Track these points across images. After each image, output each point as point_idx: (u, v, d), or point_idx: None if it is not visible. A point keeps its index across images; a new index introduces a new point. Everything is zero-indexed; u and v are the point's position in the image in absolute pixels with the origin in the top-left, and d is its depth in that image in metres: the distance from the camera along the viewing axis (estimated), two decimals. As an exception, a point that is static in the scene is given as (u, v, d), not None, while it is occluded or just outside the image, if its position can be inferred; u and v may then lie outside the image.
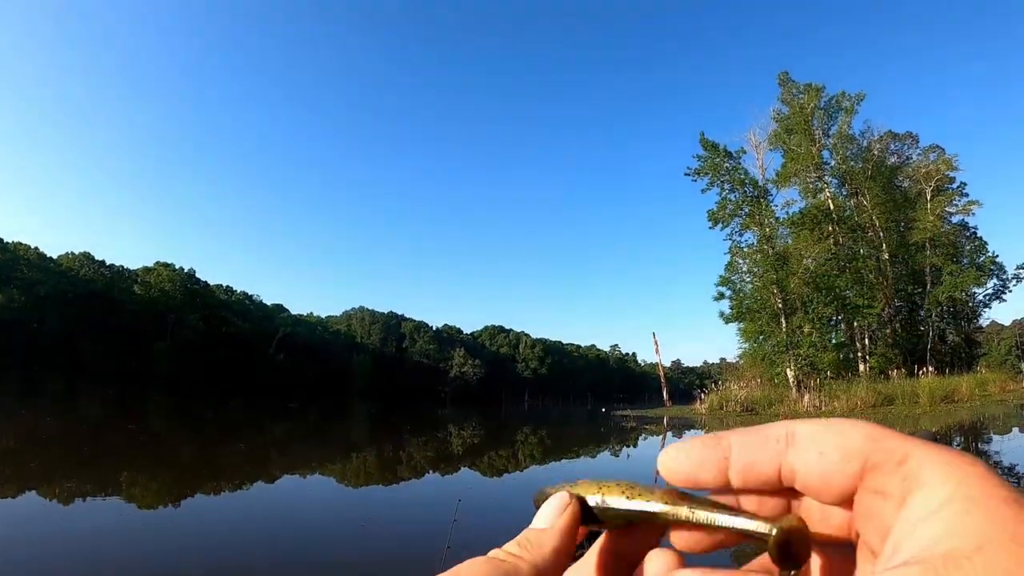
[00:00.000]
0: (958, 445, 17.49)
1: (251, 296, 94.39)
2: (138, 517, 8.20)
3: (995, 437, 17.13)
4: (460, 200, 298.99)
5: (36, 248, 71.12)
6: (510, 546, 0.39)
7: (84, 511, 8.21)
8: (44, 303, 65.93)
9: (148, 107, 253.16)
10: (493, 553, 0.38)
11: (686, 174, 44.02)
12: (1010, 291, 46.06)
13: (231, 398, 44.50)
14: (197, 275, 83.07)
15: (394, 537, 8.47)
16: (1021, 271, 45.43)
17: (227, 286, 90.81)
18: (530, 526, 0.40)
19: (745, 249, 43.77)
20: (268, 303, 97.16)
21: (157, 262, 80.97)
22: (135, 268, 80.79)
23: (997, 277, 45.31)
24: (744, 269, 43.66)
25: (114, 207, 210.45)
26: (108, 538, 6.93)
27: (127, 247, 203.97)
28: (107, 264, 78.64)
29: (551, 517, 0.39)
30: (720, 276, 44.45)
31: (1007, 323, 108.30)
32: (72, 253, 74.70)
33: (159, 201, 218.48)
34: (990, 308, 52.62)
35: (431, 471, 16.00)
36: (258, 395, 53.64)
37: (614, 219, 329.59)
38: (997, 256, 44.98)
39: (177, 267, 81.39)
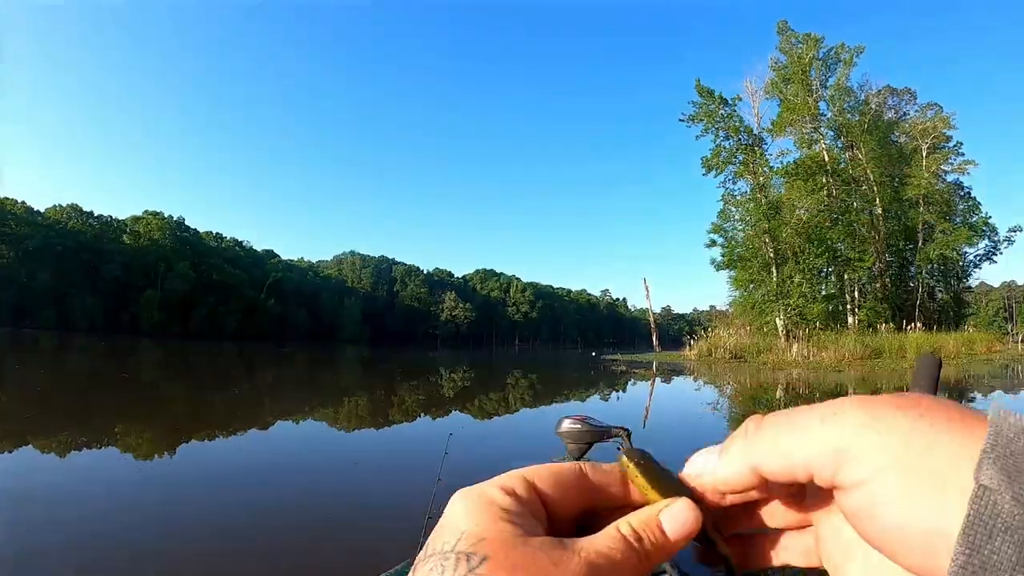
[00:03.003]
0: None
1: (241, 242, 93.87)
2: (135, 467, 8.18)
3: (979, 396, 17.22)
4: (452, 143, 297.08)
5: (24, 203, 70.26)
6: (632, 523, 0.36)
7: (81, 463, 8.18)
8: (33, 257, 65.31)
9: (129, 52, 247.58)
10: (624, 528, 0.35)
11: (681, 120, 43.83)
12: (1001, 253, 46.33)
13: (222, 345, 44.54)
14: (187, 223, 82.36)
15: (387, 472, 8.61)
16: (1013, 234, 45.56)
17: (217, 233, 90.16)
18: (661, 524, 0.36)
19: (738, 197, 43.84)
20: (258, 249, 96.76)
21: (146, 211, 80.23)
22: (124, 218, 79.98)
23: (989, 238, 45.51)
24: (736, 217, 43.73)
25: (101, 157, 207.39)
26: (106, 490, 6.90)
27: (115, 197, 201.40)
28: (95, 215, 77.80)
29: (680, 530, 0.37)
30: (712, 223, 44.63)
31: (996, 284, 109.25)
32: (60, 205, 73.70)
33: (146, 149, 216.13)
34: (980, 269, 52.93)
35: (422, 413, 16.03)
36: (250, 341, 53.81)
37: (608, 163, 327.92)
38: (990, 217, 45.20)
39: (166, 215, 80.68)
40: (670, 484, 0.40)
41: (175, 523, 6.09)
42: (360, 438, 12.10)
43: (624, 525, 0.34)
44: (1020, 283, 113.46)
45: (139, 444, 9.87)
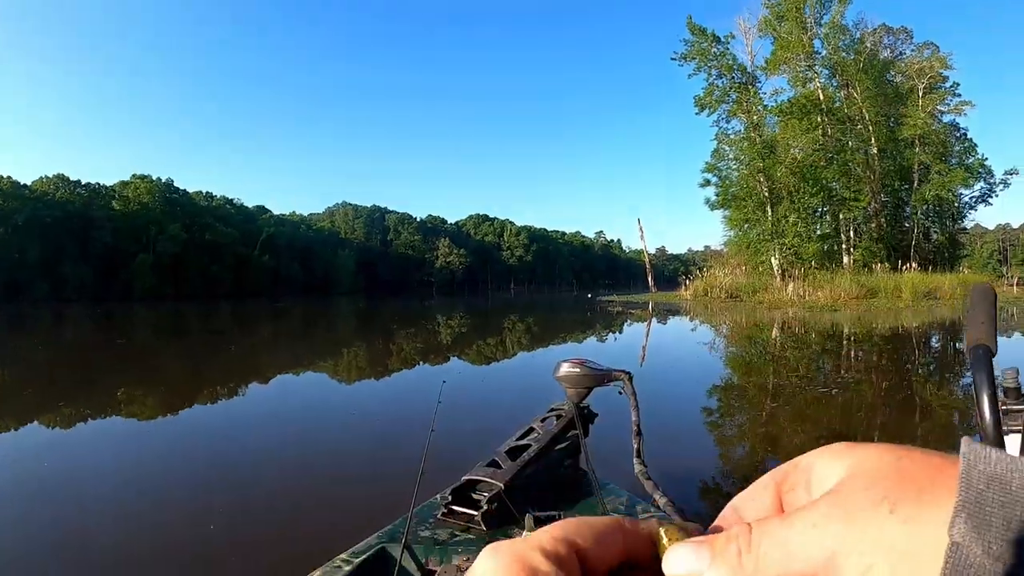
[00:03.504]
0: (936, 342, 17.62)
1: (232, 200, 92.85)
2: (141, 432, 8.15)
3: None
4: (440, 88, 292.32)
5: (9, 177, 69.16)
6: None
7: (87, 435, 8.10)
8: (23, 232, 64.68)
9: (104, 11, 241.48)
10: None
11: (672, 58, 43.31)
12: (996, 195, 45.95)
13: (218, 304, 44.51)
14: (175, 184, 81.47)
15: (384, 423, 8.64)
16: (1009, 176, 45.08)
17: (207, 192, 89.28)
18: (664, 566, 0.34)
19: (732, 136, 43.49)
20: (249, 205, 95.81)
21: (133, 175, 78.99)
22: (112, 184, 79.03)
23: (985, 180, 45.13)
24: (731, 156, 43.47)
25: (84, 123, 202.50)
26: (116, 459, 6.88)
27: (102, 164, 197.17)
28: (83, 183, 76.78)
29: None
30: (706, 163, 44.36)
31: (991, 227, 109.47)
32: (46, 177, 72.76)
33: (130, 111, 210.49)
34: (975, 210, 52.71)
35: (420, 361, 16.04)
36: (245, 298, 53.81)
37: (600, 104, 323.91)
38: (986, 159, 44.73)
39: (154, 178, 79.67)
40: None
41: (176, 482, 6.08)
42: (357, 389, 12.09)
43: None
44: (1015, 226, 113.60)
45: (141, 410, 9.78)
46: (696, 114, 44.16)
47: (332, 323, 31.52)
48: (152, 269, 70.67)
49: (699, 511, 5.12)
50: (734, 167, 43.44)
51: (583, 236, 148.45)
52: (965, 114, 45.50)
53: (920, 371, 12.37)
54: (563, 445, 2.99)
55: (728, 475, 6.28)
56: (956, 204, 46.22)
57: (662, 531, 0.34)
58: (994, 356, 1.09)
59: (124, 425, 8.83)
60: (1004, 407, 1.80)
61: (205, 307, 38.16)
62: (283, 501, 5.42)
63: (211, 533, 4.70)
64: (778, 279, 38.22)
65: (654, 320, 29.68)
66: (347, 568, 2.13)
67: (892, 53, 47.36)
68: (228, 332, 25.30)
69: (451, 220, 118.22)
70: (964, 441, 0.27)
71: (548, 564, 0.32)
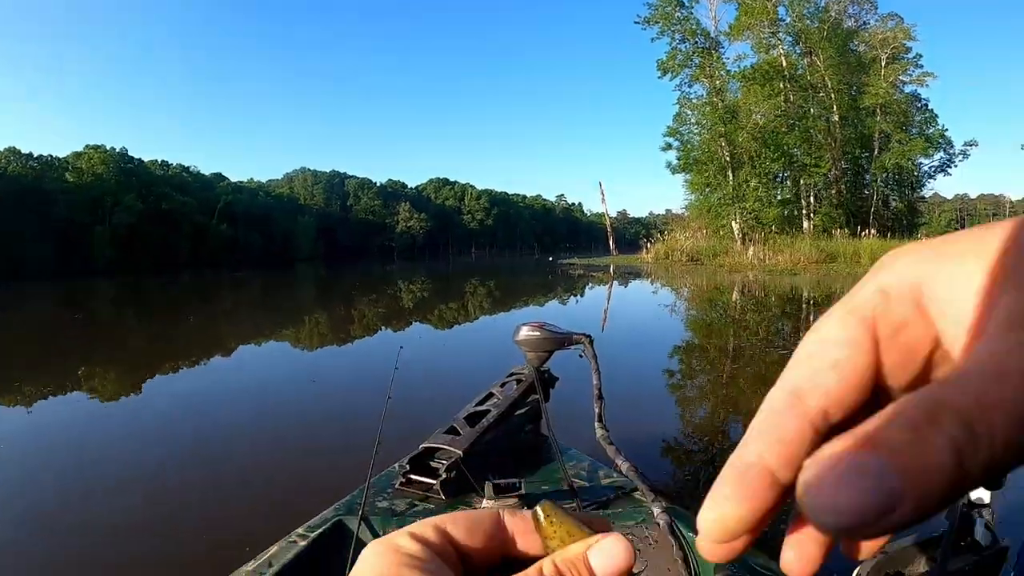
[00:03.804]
0: None
1: (188, 168, 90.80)
2: (103, 409, 7.94)
3: None
4: (398, 51, 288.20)
5: None
6: (557, 561, 0.32)
7: (49, 412, 7.90)
8: None
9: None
10: (547, 568, 0.32)
11: (636, 22, 43.01)
12: (955, 166, 46.32)
13: (177, 274, 43.83)
14: (130, 153, 79.44)
15: (343, 391, 8.55)
16: (968, 148, 45.53)
17: (162, 160, 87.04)
18: (588, 561, 0.31)
19: (694, 101, 43.47)
20: (206, 173, 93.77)
21: (87, 145, 76.80)
22: (65, 155, 76.84)
23: (944, 151, 45.37)
24: (692, 121, 43.49)
25: (33, 92, 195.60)
26: (79, 437, 6.70)
27: (54, 135, 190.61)
28: (35, 156, 74.47)
29: (611, 567, 0.31)
30: (668, 127, 44.33)
31: (949, 196, 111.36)
32: (-3, 150, 70.86)
33: (80, 80, 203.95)
34: (935, 180, 53.10)
35: (381, 327, 15.97)
36: (204, 268, 52.99)
37: (562, 67, 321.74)
38: (946, 130, 45.04)
39: (108, 148, 77.63)
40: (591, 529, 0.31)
41: (125, 459, 5.96)
42: (316, 357, 11.97)
43: (548, 564, 0.32)
44: (973, 196, 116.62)
45: (104, 386, 9.55)
46: (659, 78, 44.00)
47: (292, 291, 31.22)
48: (110, 242, 69.18)
49: (662, 474, 5.13)
50: (696, 131, 43.45)
51: (544, 199, 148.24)
52: (927, 85, 45.73)
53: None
54: (523, 410, 2.92)
55: (690, 437, 6.31)
56: (915, 173, 46.59)
57: (540, 511, 0.32)
58: None
59: (66, 401, 8.64)
60: None
61: (164, 278, 37.51)
62: (236, 476, 5.35)
63: (164, 512, 4.61)
64: (738, 243, 38.55)
65: (615, 283, 29.82)
66: (303, 544, 2.05)
67: (856, 23, 47.40)
68: (186, 303, 24.87)
69: (411, 184, 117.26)
70: None
71: (416, 545, 0.32)
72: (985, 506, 1.17)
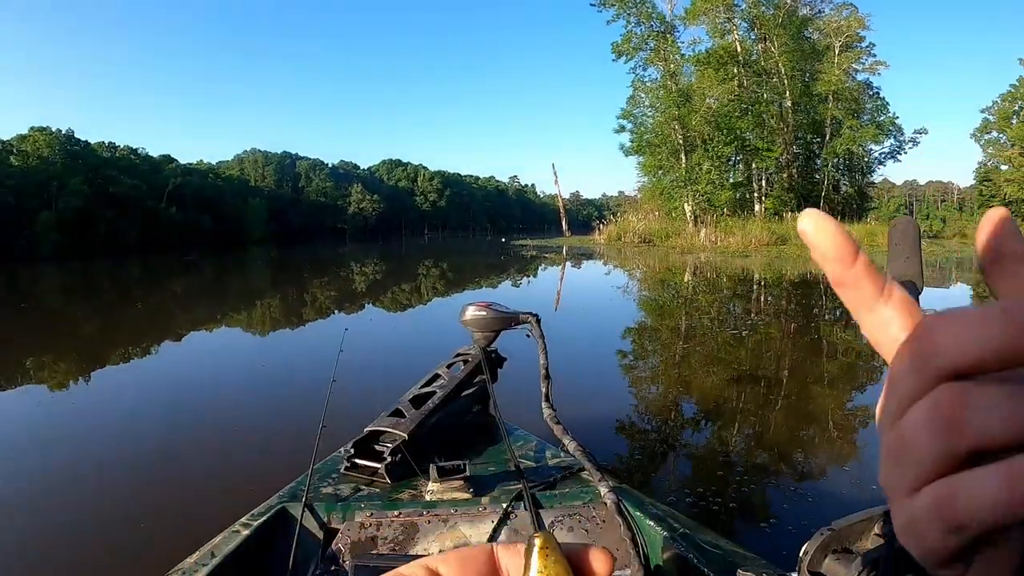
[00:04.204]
0: None
1: (136, 150, 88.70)
2: (54, 400, 7.68)
3: None
4: (349, 28, 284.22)
5: None
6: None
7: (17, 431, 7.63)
8: None
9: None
10: None
11: (592, 4, 43.06)
12: (905, 152, 47.43)
13: (125, 259, 42.94)
14: (76, 135, 77.35)
15: (289, 374, 8.40)
16: (918, 135, 46.51)
17: (110, 143, 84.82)
18: None
19: (648, 84, 43.68)
20: (155, 155, 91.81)
21: (32, 128, 74.67)
22: (9, 138, 74.54)
23: (895, 138, 46.32)
24: (646, 104, 43.76)
25: None
26: (31, 428, 6.49)
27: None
28: None
29: None
30: (622, 109, 44.48)
31: (899, 183, 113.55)
32: (-63, 135, 68.23)
33: (23, 59, 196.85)
34: (884, 166, 54.57)
35: (334, 310, 15.78)
36: (153, 252, 51.96)
37: (517, 48, 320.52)
38: (897, 118, 45.84)
39: (54, 130, 75.55)
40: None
41: (62, 450, 5.80)
42: (263, 341, 11.77)
43: None
44: (922, 183, 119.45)
45: (53, 376, 9.20)
46: (613, 61, 44.23)
47: (241, 275, 30.74)
48: (57, 227, 67.30)
49: (609, 454, 5.12)
50: (649, 114, 43.80)
51: (498, 181, 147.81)
52: (879, 73, 46.48)
53: (827, 316, 12.72)
54: (470, 391, 2.88)
55: (641, 416, 6.32)
56: (866, 159, 47.51)
57: (536, 541, 0.30)
58: (920, 293, 0.97)
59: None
60: None
61: (112, 264, 36.63)
62: (176, 467, 5.20)
63: (104, 506, 4.48)
64: (691, 225, 38.91)
65: (568, 264, 29.92)
66: (245, 532, 1.99)
67: (811, 11, 47.78)
68: (135, 289, 24.29)
69: (364, 166, 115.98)
70: None
71: None
72: None
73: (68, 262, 37.11)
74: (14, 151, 72.10)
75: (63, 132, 75.84)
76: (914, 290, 0.95)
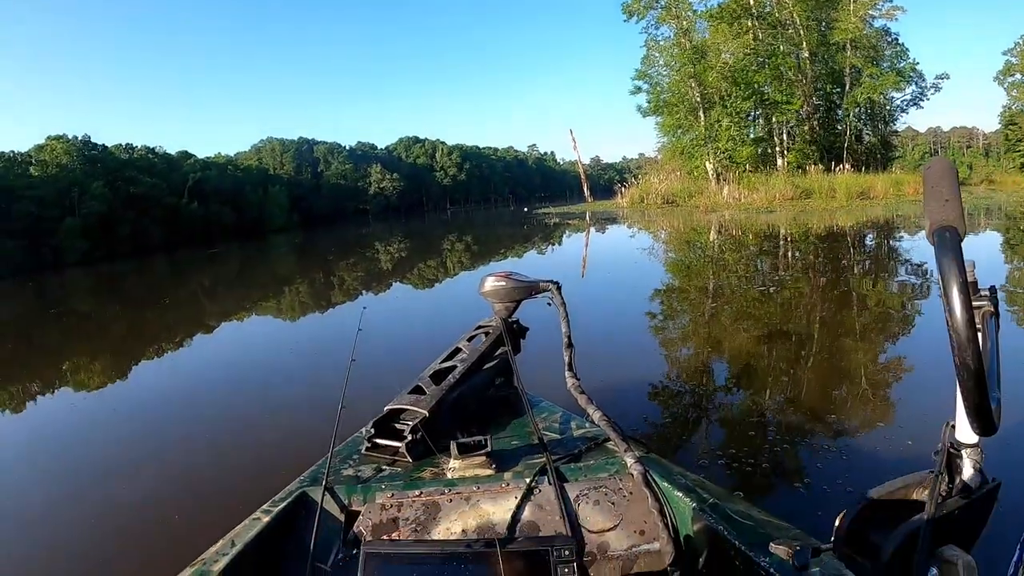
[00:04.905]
0: (871, 241, 17.74)
1: (153, 149, 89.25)
2: (94, 402, 7.77)
3: (906, 236, 17.50)
4: (357, 8, 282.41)
5: None
6: None
7: (40, 413, 7.69)
8: None
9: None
10: None
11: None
12: (928, 99, 46.39)
13: (152, 259, 43.49)
14: (93, 140, 77.90)
15: (315, 356, 8.47)
16: (940, 81, 45.50)
17: (127, 144, 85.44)
18: None
19: (662, 43, 43.14)
20: (172, 152, 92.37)
21: (48, 137, 75.16)
22: (27, 150, 75.27)
23: (916, 84, 45.32)
24: (661, 63, 43.25)
25: None
26: (74, 433, 6.56)
27: (13, 130, 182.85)
28: None
29: None
30: (637, 70, 43.99)
31: (922, 130, 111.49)
32: (-46, 148, 68.77)
33: (34, 70, 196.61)
34: (907, 113, 53.57)
35: (363, 291, 15.86)
36: (178, 249, 52.55)
37: (525, 12, 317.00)
38: (918, 64, 44.89)
39: (70, 137, 76.21)
40: None
41: (95, 439, 6.00)
42: (283, 327, 11.88)
43: None
44: (945, 129, 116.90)
45: (90, 379, 9.29)
46: (624, 21, 43.48)
47: (265, 262, 30.98)
48: (81, 233, 68.06)
49: (639, 420, 5.06)
50: (665, 74, 43.23)
51: (516, 150, 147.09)
52: (896, 19, 45.26)
53: (856, 268, 12.55)
54: (492, 364, 2.82)
55: (673, 380, 6.25)
56: (888, 107, 46.74)
57: None
58: (962, 240, 0.88)
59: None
60: None
61: (139, 263, 37.11)
62: (203, 455, 5.28)
63: (130, 497, 4.53)
64: (713, 183, 38.46)
65: (592, 229, 29.80)
66: (266, 519, 1.96)
67: (822, -43, 47.07)
68: (161, 285, 24.51)
69: (381, 145, 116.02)
70: None
71: None
72: (973, 446, 1.08)
73: (96, 266, 37.57)
74: (32, 161, 72.85)
75: (79, 138, 76.41)
76: (955, 236, 0.85)
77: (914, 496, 1.04)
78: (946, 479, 1.15)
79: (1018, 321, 7.25)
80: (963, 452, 1.18)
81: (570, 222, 34.82)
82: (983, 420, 0.89)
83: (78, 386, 8.58)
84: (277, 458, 4.72)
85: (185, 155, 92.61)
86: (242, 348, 9.97)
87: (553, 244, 24.56)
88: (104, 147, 79.36)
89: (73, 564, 3.72)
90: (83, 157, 73.65)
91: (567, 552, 0.98)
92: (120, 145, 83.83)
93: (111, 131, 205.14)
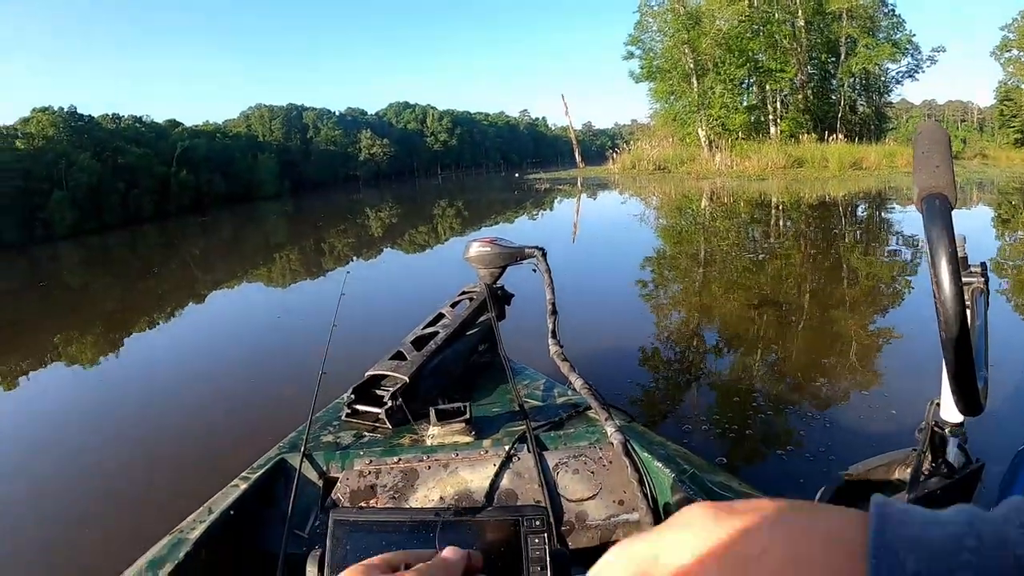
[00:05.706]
0: (863, 211, 17.76)
1: (140, 118, 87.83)
2: (88, 376, 7.71)
3: (897, 207, 17.47)
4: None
5: None
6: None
7: (35, 389, 7.62)
8: None
9: None
10: None
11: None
12: (923, 71, 46.25)
13: (143, 229, 43.24)
14: (79, 111, 76.89)
15: (300, 322, 8.47)
16: (936, 53, 45.22)
17: (114, 114, 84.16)
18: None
19: (655, 8, 42.66)
20: (160, 121, 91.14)
21: (34, 109, 74.20)
22: (12, 123, 74.29)
23: (912, 56, 44.97)
24: (655, 28, 42.80)
25: None
26: (69, 407, 6.51)
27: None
28: None
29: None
30: (630, 35, 43.57)
31: (917, 103, 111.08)
32: (-62, 124, 67.66)
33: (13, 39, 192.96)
34: (902, 85, 53.27)
35: (353, 257, 15.80)
36: (168, 218, 52.23)
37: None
38: (914, 35, 44.57)
39: (56, 108, 75.13)
40: None
41: (79, 407, 6.03)
42: (282, 293, 11.83)
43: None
44: (940, 103, 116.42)
45: (83, 352, 9.23)
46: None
47: (256, 229, 30.87)
48: (71, 204, 67.50)
49: (625, 386, 5.06)
50: (658, 39, 42.72)
51: (508, 116, 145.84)
52: (893, -11, 45.13)
53: (846, 238, 12.55)
54: (475, 330, 2.79)
55: (665, 345, 6.24)
56: (883, 78, 46.58)
57: None
58: (952, 208, 0.82)
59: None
60: None
61: (131, 234, 36.92)
62: (183, 423, 5.27)
63: (112, 462, 4.52)
64: (705, 150, 38.33)
65: (583, 195, 29.69)
66: (244, 486, 1.94)
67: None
68: (151, 255, 24.36)
69: (371, 111, 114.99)
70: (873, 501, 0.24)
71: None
72: (958, 425, 1.05)
73: (87, 238, 37.38)
74: (19, 135, 71.93)
75: (65, 110, 75.48)
76: (945, 204, 0.81)
77: (895, 475, 1.01)
78: (929, 458, 1.13)
79: (1009, 299, 7.25)
80: (947, 431, 1.16)
81: (561, 188, 34.67)
82: (969, 399, 0.86)
83: (57, 357, 8.59)
84: (257, 424, 4.72)
85: (173, 123, 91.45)
86: (228, 315, 9.96)
87: (544, 209, 24.49)
88: (91, 118, 78.19)
89: (48, 530, 3.72)
90: (70, 128, 72.52)
91: (538, 522, 0.96)
92: (107, 115, 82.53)
93: (98, 103, 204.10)
